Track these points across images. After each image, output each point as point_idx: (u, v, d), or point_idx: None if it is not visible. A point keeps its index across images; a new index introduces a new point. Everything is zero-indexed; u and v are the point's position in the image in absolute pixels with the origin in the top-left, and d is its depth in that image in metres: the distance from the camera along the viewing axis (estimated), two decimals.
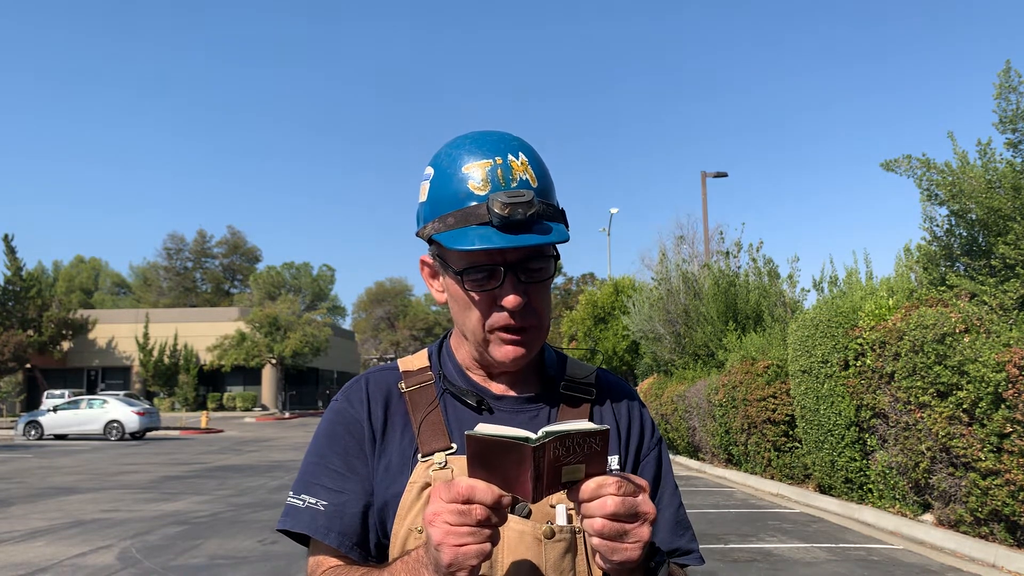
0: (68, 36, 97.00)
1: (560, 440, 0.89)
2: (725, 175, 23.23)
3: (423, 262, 1.24)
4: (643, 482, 0.95)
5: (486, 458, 0.90)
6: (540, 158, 1.16)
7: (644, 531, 0.93)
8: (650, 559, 1.03)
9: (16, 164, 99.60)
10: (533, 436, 0.89)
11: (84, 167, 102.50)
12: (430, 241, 1.16)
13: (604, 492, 0.92)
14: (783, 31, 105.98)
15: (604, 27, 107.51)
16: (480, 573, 0.94)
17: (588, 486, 0.92)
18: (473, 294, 1.14)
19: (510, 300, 1.11)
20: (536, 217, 1.08)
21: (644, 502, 0.94)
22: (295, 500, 1.18)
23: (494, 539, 0.92)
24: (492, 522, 0.91)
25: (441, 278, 1.21)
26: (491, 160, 1.10)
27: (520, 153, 1.13)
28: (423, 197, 1.16)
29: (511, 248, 1.07)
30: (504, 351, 1.16)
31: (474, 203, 1.09)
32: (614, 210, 39.00)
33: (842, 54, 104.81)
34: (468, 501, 0.90)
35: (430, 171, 1.16)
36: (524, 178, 1.11)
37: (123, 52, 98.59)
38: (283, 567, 7.04)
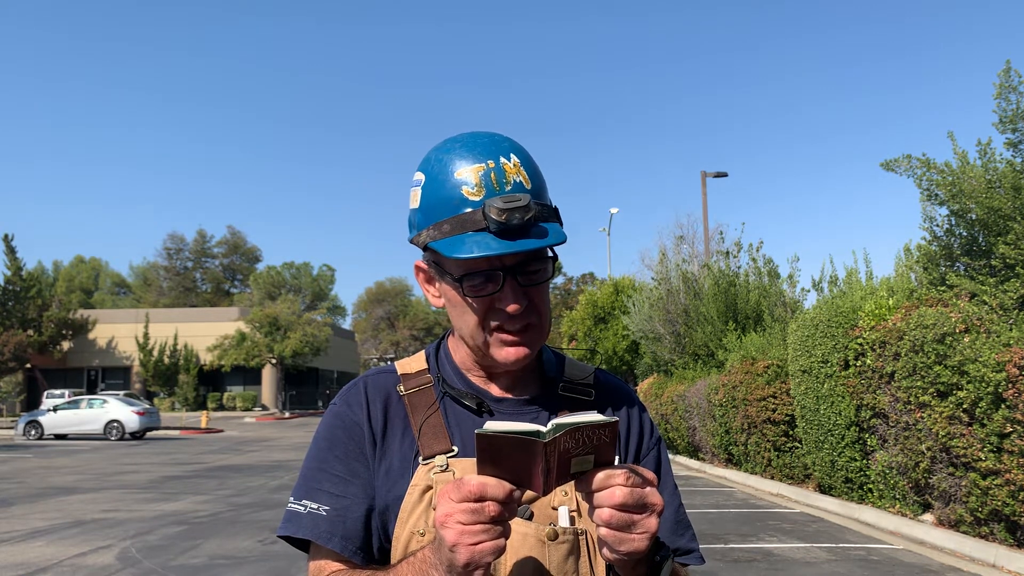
0: (68, 36, 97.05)
1: (571, 433, 0.89)
2: (725, 175, 23.24)
3: (418, 267, 1.23)
4: (651, 474, 0.95)
5: (495, 455, 0.90)
6: (531, 158, 1.15)
7: (652, 522, 0.94)
8: (655, 553, 1.03)
9: (16, 164, 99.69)
10: (543, 430, 0.89)
11: (84, 167, 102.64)
12: (425, 248, 1.15)
13: (613, 482, 0.92)
14: (783, 30, 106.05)
15: (604, 26, 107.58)
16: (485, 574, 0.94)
17: (597, 476, 0.92)
18: (472, 300, 1.13)
19: (512, 308, 1.11)
20: (532, 220, 1.07)
21: (652, 493, 0.94)
22: (296, 506, 1.17)
23: (506, 534, 0.92)
24: (504, 517, 0.91)
25: (437, 283, 1.20)
26: (483, 164, 1.09)
27: (512, 155, 1.11)
28: (415, 204, 1.15)
29: (509, 253, 1.06)
30: (505, 352, 1.15)
31: (469, 209, 1.07)
32: (614, 210, 39.05)
33: (842, 54, 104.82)
34: (480, 499, 0.90)
35: (420, 177, 1.14)
36: (518, 180, 1.09)
37: (123, 52, 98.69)
38: (283, 567, 7.04)
